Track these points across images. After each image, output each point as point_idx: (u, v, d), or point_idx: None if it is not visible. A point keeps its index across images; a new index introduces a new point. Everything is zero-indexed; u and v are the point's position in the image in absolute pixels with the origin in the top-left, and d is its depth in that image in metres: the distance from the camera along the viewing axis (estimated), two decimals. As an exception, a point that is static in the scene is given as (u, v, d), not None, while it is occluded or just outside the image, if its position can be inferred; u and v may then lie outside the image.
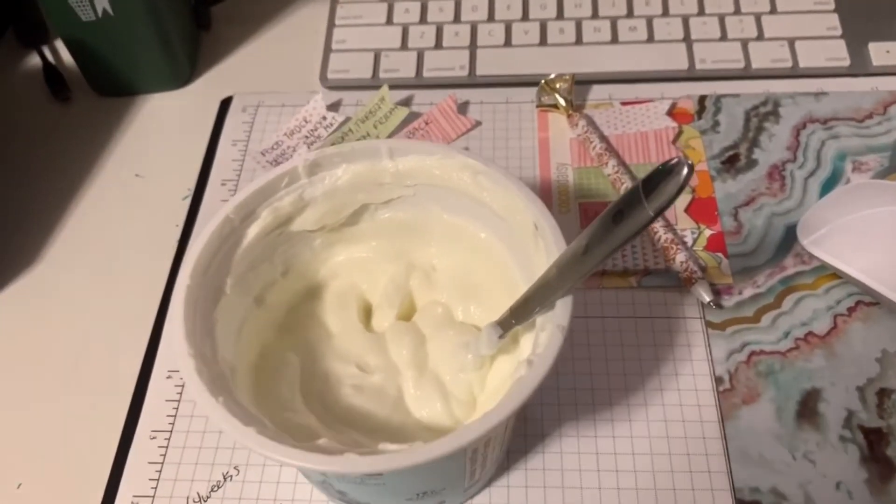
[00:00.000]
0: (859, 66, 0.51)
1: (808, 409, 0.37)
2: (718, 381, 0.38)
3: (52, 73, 0.56)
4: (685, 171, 0.24)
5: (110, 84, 0.54)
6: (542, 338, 0.29)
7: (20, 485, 0.38)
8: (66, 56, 0.58)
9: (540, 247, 0.31)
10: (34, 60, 0.58)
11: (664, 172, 0.24)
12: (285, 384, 0.33)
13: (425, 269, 0.37)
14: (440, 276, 0.37)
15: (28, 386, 0.42)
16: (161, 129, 0.53)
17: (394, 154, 0.34)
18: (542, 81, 0.50)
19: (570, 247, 0.28)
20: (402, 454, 0.26)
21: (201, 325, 0.30)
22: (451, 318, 0.36)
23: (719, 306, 0.40)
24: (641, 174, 0.46)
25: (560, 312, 0.29)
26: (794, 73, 0.51)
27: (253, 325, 0.34)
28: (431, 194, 0.35)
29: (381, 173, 0.34)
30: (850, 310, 0.40)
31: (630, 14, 0.54)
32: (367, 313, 0.37)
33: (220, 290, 0.32)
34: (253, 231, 0.33)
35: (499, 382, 0.33)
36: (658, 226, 0.42)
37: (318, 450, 0.26)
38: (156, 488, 0.37)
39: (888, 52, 0.51)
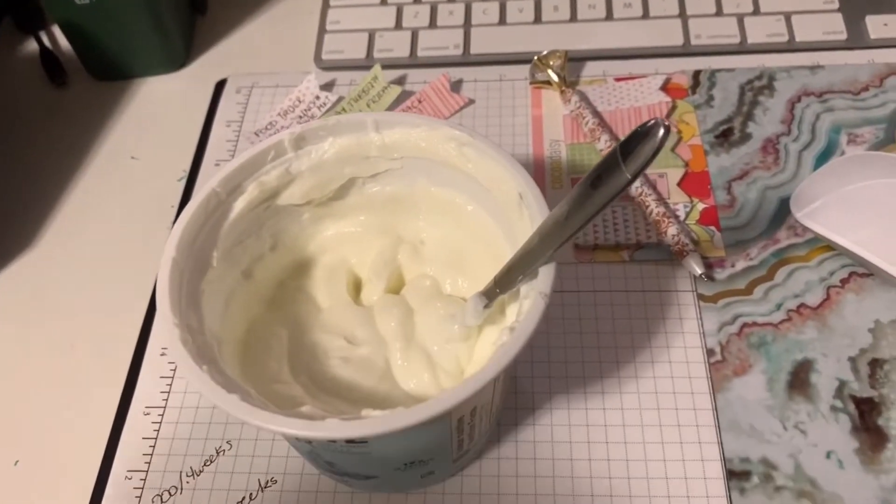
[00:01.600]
0: (856, 40, 0.51)
1: (799, 379, 0.37)
2: (710, 353, 0.38)
3: (49, 58, 0.56)
4: (661, 132, 0.24)
5: (106, 68, 0.55)
6: (525, 305, 0.28)
7: (17, 462, 0.39)
8: (63, 42, 0.58)
9: (525, 216, 0.31)
10: (32, 46, 0.58)
11: (641, 135, 0.24)
12: (273, 357, 0.33)
13: (413, 242, 0.37)
14: (428, 249, 0.37)
15: (24, 366, 0.42)
16: (156, 112, 0.53)
17: (379, 127, 0.34)
18: (535, 58, 0.49)
19: (552, 214, 0.28)
20: (383, 419, 0.26)
21: (187, 297, 0.30)
22: (438, 291, 0.36)
23: (711, 279, 0.40)
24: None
25: (542, 280, 0.29)
26: (791, 47, 0.51)
27: (241, 299, 0.34)
28: (418, 167, 0.35)
29: (367, 146, 0.34)
30: (844, 281, 0.40)
31: (625, -10, 0.54)
32: (356, 288, 0.37)
33: (207, 263, 0.32)
34: (239, 205, 0.33)
35: (486, 353, 0.33)
36: (650, 199, 0.42)
37: (300, 416, 0.26)
38: (149, 463, 0.38)
39: (886, 24, 0.51)
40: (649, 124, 0.24)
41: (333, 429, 0.26)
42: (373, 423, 0.26)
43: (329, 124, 0.34)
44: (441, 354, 0.34)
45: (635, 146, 0.24)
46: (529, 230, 0.30)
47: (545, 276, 0.29)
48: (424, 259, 0.37)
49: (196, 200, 0.32)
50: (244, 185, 0.33)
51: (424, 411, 0.26)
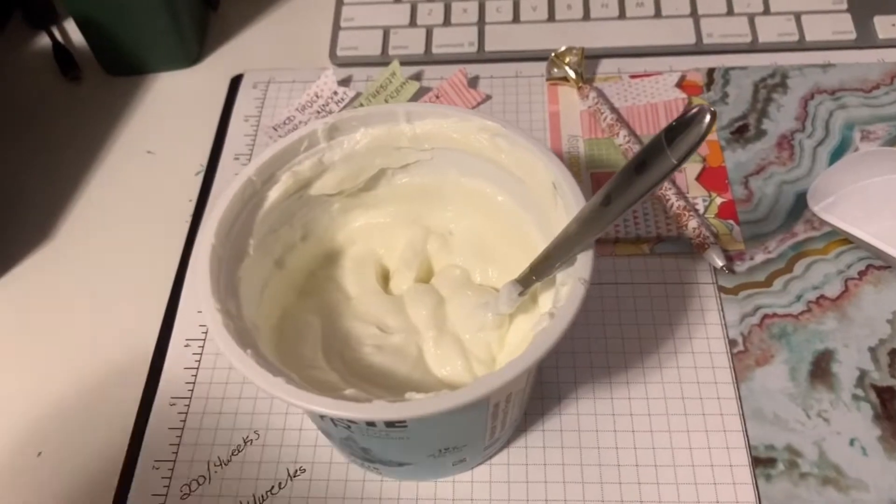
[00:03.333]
0: (865, 40, 0.51)
1: (820, 369, 0.38)
2: (732, 343, 0.39)
3: (61, 52, 0.56)
4: (707, 118, 0.24)
5: (119, 62, 0.55)
6: (564, 291, 0.29)
7: (41, 453, 0.39)
8: (75, 36, 0.58)
9: (559, 205, 0.31)
10: (43, 41, 0.58)
11: (687, 121, 0.25)
12: (307, 344, 0.33)
13: (442, 233, 0.37)
14: (457, 240, 0.37)
15: (47, 357, 0.42)
16: (171, 107, 0.53)
17: (411, 118, 0.34)
18: (552, 55, 0.50)
19: (592, 200, 0.28)
20: (429, 401, 0.26)
21: (226, 283, 0.31)
22: (469, 280, 0.36)
23: (732, 271, 0.41)
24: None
25: (581, 266, 0.29)
26: (801, 46, 0.52)
27: (274, 288, 0.34)
28: (449, 158, 0.36)
29: (398, 137, 0.35)
30: (861, 273, 0.40)
31: (637, -10, 0.55)
32: (384, 278, 0.38)
33: (244, 251, 0.32)
34: (274, 194, 0.33)
35: (518, 341, 0.33)
36: (670, 193, 0.43)
37: (346, 398, 0.27)
38: (176, 453, 0.38)
39: (894, 24, 0.52)
40: (695, 110, 0.24)
41: (382, 410, 0.26)
42: (420, 405, 0.26)
43: (361, 115, 0.34)
44: (473, 342, 0.34)
45: (681, 131, 0.25)
46: (565, 219, 0.30)
47: (584, 262, 0.29)
48: (453, 249, 0.37)
49: (232, 189, 0.32)
50: (278, 175, 0.34)
51: (469, 394, 0.26)
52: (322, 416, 0.30)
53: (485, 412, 0.30)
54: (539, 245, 0.33)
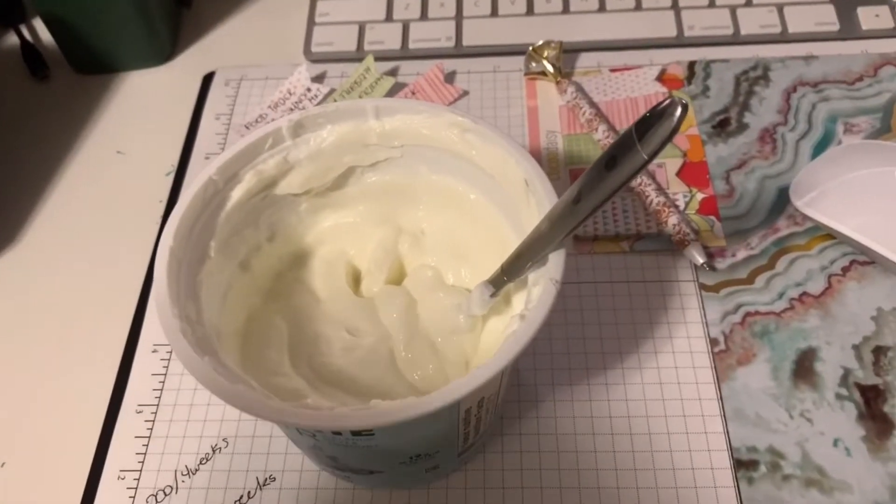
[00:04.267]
0: (848, 31, 0.51)
1: (803, 368, 0.37)
2: (713, 342, 0.38)
3: (29, 51, 0.55)
4: (678, 111, 0.23)
5: (89, 61, 0.53)
6: (535, 292, 0.28)
7: (4, 464, 0.38)
8: (44, 35, 0.57)
9: (531, 203, 0.30)
10: (12, 40, 0.57)
11: (657, 114, 0.23)
12: (273, 349, 0.32)
13: (414, 233, 0.36)
14: (429, 239, 0.36)
15: (11, 364, 0.41)
16: (142, 106, 0.52)
17: (380, 114, 0.33)
18: (530, 49, 0.49)
19: (563, 198, 0.27)
20: (392, 409, 0.25)
21: (185, 287, 0.29)
22: (441, 281, 0.35)
23: (713, 268, 0.40)
24: (632, 139, 0.46)
25: (553, 266, 0.28)
26: (784, 38, 0.51)
27: (239, 291, 0.33)
28: (419, 155, 0.34)
29: (366, 134, 0.34)
30: (845, 269, 0.40)
31: (617, -18, 0.54)
32: (355, 280, 0.36)
33: (205, 254, 0.31)
34: (237, 194, 0.32)
35: (492, 343, 0.32)
36: (650, 189, 0.42)
37: (307, 407, 0.25)
38: (143, 462, 0.36)
39: (877, 15, 0.51)
40: (666, 103, 0.23)
41: (341, 419, 0.25)
42: (382, 414, 0.25)
43: (328, 111, 0.33)
44: (446, 345, 0.33)
45: (652, 125, 0.24)
46: (537, 217, 0.29)
47: (555, 262, 0.28)
48: (425, 250, 0.36)
49: (193, 189, 0.31)
50: (241, 174, 0.32)
51: (436, 401, 0.25)
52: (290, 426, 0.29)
53: (455, 418, 0.29)
54: (512, 244, 0.32)
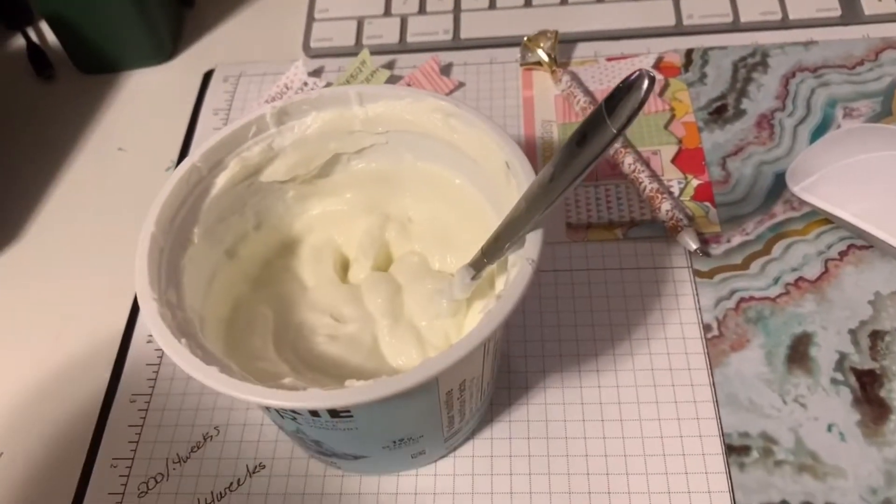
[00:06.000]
0: (851, 16, 0.50)
1: (798, 353, 0.36)
2: (706, 328, 0.37)
3: (35, 52, 0.56)
4: (646, 83, 0.23)
5: (93, 61, 0.54)
6: (513, 273, 0.28)
7: (2, 453, 0.38)
8: (50, 37, 0.58)
9: (512, 185, 0.30)
10: (19, 42, 0.58)
11: (625, 88, 0.23)
12: (258, 335, 0.32)
13: (401, 219, 0.36)
14: (416, 226, 0.36)
15: (11, 357, 0.41)
16: (144, 104, 0.53)
17: (363, 100, 0.33)
18: (525, 39, 0.49)
19: (537, 178, 0.27)
20: (366, 388, 0.25)
21: (167, 273, 0.30)
22: (427, 267, 0.35)
23: (706, 254, 0.40)
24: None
25: (529, 246, 0.28)
26: (784, 24, 0.50)
27: (225, 278, 0.34)
28: (404, 141, 0.34)
29: (350, 120, 0.34)
30: (842, 254, 0.39)
31: (615, -27, 0.53)
32: (343, 267, 0.37)
33: (188, 240, 0.31)
34: (221, 181, 0.32)
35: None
36: (643, 176, 0.42)
37: (282, 387, 0.26)
38: (135, 451, 0.37)
39: (880, 0, 0.50)
40: (633, 76, 0.23)
41: (315, 399, 0.25)
42: (356, 392, 0.25)
43: (312, 98, 0.33)
44: (430, 331, 0.33)
45: (620, 99, 0.23)
46: (516, 198, 0.29)
47: (532, 242, 0.28)
48: (412, 236, 0.36)
49: (176, 175, 0.31)
50: (226, 161, 0.33)
51: (409, 379, 0.25)
52: (267, 408, 0.30)
53: (435, 399, 0.29)
54: (495, 227, 0.32)
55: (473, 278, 0.31)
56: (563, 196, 0.27)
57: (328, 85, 0.50)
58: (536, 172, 0.30)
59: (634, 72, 0.23)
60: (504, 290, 0.27)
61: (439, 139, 0.33)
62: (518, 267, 0.27)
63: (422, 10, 0.54)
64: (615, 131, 0.24)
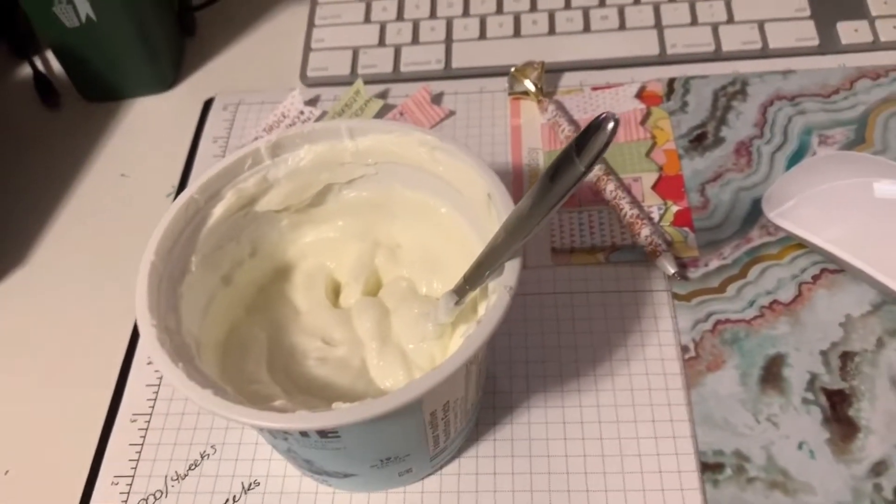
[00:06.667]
0: (828, 45, 0.52)
1: (771, 373, 0.38)
2: (684, 349, 0.39)
3: (41, 81, 0.58)
4: (610, 125, 0.25)
5: (97, 89, 0.56)
6: (493, 299, 0.29)
7: (7, 471, 0.40)
8: (56, 65, 0.59)
9: (493, 216, 0.32)
10: (26, 70, 0.60)
11: (593, 129, 0.25)
12: (251, 359, 0.34)
13: (390, 246, 0.38)
14: (405, 252, 0.38)
15: (15, 378, 0.43)
16: (146, 131, 0.55)
17: (353, 134, 0.35)
18: (512, 70, 0.51)
19: (515, 209, 0.29)
20: (353, 409, 0.27)
21: (166, 299, 0.31)
22: (414, 292, 0.37)
23: (684, 278, 0.41)
24: (609, 155, 0.47)
25: (508, 274, 0.29)
26: (765, 53, 0.52)
27: (221, 304, 0.35)
28: (393, 172, 0.36)
29: (341, 153, 0.36)
30: (815, 277, 0.41)
31: (602, 3, 0.55)
32: (335, 292, 0.38)
33: (186, 268, 0.33)
34: (218, 211, 0.34)
35: (459, 350, 0.34)
36: (624, 202, 0.43)
37: (272, 409, 0.27)
38: (135, 468, 0.38)
39: (856, 30, 0.52)
40: (600, 118, 0.25)
41: (304, 420, 0.27)
42: (342, 414, 0.27)
43: (304, 132, 0.35)
44: (416, 353, 0.34)
45: (588, 140, 0.25)
46: (497, 227, 0.31)
47: (510, 270, 0.30)
48: (401, 262, 0.38)
49: (175, 207, 0.33)
50: (222, 192, 0.34)
51: (393, 401, 0.27)
52: (260, 429, 0.31)
53: (420, 420, 0.30)
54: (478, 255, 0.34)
55: (457, 303, 0.32)
56: (540, 226, 0.28)
57: (323, 113, 0.51)
58: (518, 201, 0.31)
59: (601, 114, 0.25)
60: (483, 316, 0.28)
61: (426, 170, 0.35)
62: (497, 294, 0.29)
63: (415, 39, 0.56)
64: (583, 169, 0.26)
